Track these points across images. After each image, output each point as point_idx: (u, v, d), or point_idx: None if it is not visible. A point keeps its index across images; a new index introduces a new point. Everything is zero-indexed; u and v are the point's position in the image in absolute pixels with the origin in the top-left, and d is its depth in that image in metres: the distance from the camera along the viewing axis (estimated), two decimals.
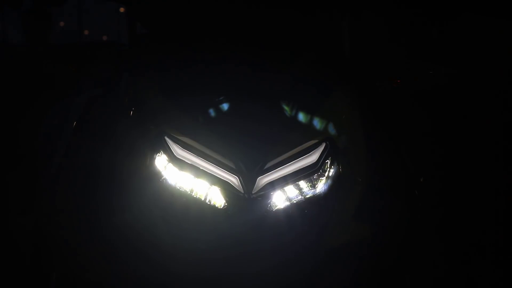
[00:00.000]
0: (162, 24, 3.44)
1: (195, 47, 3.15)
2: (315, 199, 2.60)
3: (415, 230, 2.88)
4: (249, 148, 2.58)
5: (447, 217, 3.38)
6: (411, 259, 2.84)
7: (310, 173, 2.61)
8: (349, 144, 2.76)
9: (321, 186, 2.62)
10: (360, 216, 2.66)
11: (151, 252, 2.56)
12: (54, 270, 2.93)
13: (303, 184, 2.61)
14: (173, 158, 2.60)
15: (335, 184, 2.63)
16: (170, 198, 2.58)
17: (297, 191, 2.60)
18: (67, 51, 3.20)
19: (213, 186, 2.57)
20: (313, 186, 2.62)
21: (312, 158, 2.63)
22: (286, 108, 2.77)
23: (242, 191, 2.54)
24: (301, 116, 2.74)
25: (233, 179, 2.55)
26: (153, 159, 2.63)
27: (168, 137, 2.63)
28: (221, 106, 2.78)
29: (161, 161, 2.62)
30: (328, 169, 2.64)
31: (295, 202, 2.59)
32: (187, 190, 2.57)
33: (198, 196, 2.57)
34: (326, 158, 2.63)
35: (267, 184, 2.56)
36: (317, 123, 2.72)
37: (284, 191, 2.58)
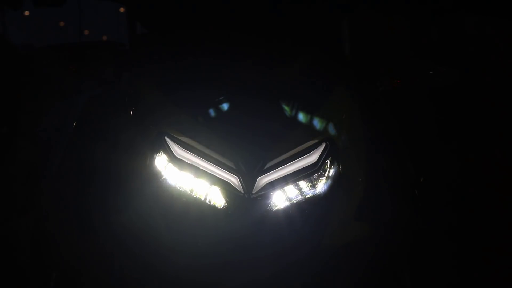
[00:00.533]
0: (162, 24, 3.44)
1: (195, 47, 3.16)
2: (315, 199, 2.60)
3: (415, 230, 2.88)
4: (249, 148, 2.58)
5: (446, 217, 3.38)
6: (411, 259, 2.84)
7: (310, 173, 2.61)
8: (349, 144, 2.76)
9: (321, 186, 2.62)
10: (360, 216, 2.66)
11: (151, 251, 2.56)
12: (54, 270, 2.93)
13: (303, 184, 2.61)
14: (173, 158, 2.60)
15: (335, 184, 2.63)
16: (170, 198, 2.58)
17: (297, 191, 2.60)
18: (67, 51, 3.20)
19: (213, 186, 2.57)
20: (313, 186, 2.62)
21: (312, 158, 2.63)
22: (286, 108, 2.77)
23: (242, 191, 2.54)
24: (301, 116, 2.74)
25: (233, 179, 2.55)
26: (153, 159, 2.63)
27: (168, 137, 2.63)
28: (221, 106, 2.78)
29: (161, 161, 2.62)
30: (328, 169, 2.64)
31: (295, 202, 2.59)
32: (187, 190, 2.57)
33: (198, 196, 2.57)
34: (326, 158, 2.63)
35: (267, 184, 2.56)
36: (317, 123, 2.72)
37: (284, 191, 2.58)
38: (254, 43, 3.13)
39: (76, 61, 3.15)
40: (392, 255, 2.76)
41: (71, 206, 2.87)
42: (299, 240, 2.56)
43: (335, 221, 2.61)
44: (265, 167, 2.56)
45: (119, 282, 2.65)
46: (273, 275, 2.55)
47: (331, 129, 2.72)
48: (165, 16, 3.42)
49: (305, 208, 2.59)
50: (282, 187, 2.58)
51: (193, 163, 2.59)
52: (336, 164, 2.65)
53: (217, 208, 2.55)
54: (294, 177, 2.59)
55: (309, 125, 2.72)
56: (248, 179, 2.54)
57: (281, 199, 2.58)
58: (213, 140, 2.61)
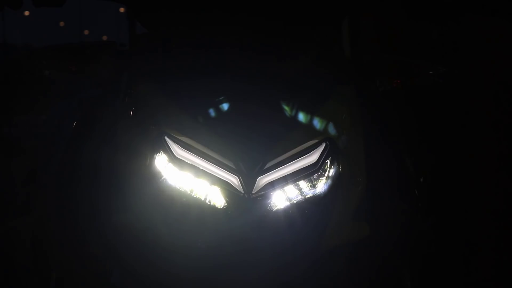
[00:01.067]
0: (162, 24, 3.44)
1: (195, 47, 3.16)
2: (315, 199, 2.60)
3: (415, 230, 2.88)
4: (249, 148, 2.58)
5: (446, 217, 3.38)
6: (411, 259, 2.84)
7: (310, 173, 2.60)
8: (349, 144, 2.75)
9: (321, 186, 2.62)
10: (360, 216, 2.66)
11: (151, 252, 2.56)
12: (54, 270, 2.93)
13: (303, 184, 2.61)
14: (173, 158, 2.60)
15: (335, 184, 2.63)
16: (170, 198, 2.58)
17: (297, 191, 2.60)
18: (67, 51, 3.20)
19: (213, 186, 2.57)
20: (313, 186, 2.61)
21: (312, 158, 2.62)
22: (286, 108, 2.77)
23: (242, 191, 2.54)
24: (301, 116, 2.74)
25: (233, 179, 2.55)
26: (153, 159, 2.63)
27: (168, 137, 2.63)
28: (221, 106, 2.78)
29: (161, 161, 2.62)
30: (328, 169, 2.64)
31: (295, 202, 2.58)
32: (187, 190, 2.57)
33: (198, 196, 2.57)
34: (326, 158, 2.63)
35: (267, 184, 2.56)
36: (317, 123, 2.72)
37: (284, 191, 2.58)
38: (254, 44, 3.13)
39: (76, 61, 3.15)
40: (392, 255, 2.76)
41: (71, 206, 2.87)
42: (299, 240, 2.56)
43: (335, 221, 2.61)
44: (265, 167, 2.56)
45: (119, 282, 2.65)
46: (273, 275, 2.55)
47: (331, 129, 2.72)
48: (165, 16, 3.41)
49: (305, 208, 2.59)
50: (282, 187, 2.58)
51: (193, 163, 2.59)
52: (336, 164, 2.65)
53: (217, 208, 2.55)
54: (294, 177, 2.59)
55: (309, 125, 2.72)
56: (248, 179, 2.54)
57: (281, 199, 2.58)
58: (213, 140, 2.61)
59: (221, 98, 2.80)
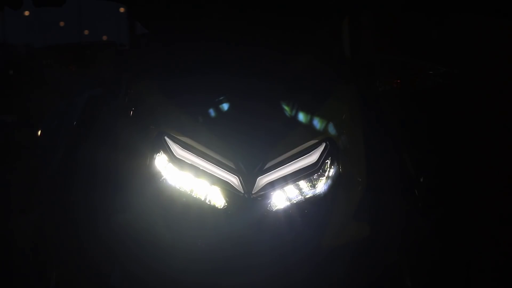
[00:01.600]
0: (162, 24, 3.44)
1: (195, 47, 3.16)
2: (315, 199, 2.60)
3: (415, 230, 2.88)
4: (249, 148, 2.58)
5: (446, 217, 3.38)
6: (411, 258, 2.84)
7: (310, 173, 2.61)
8: (349, 144, 2.76)
9: (321, 186, 2.62)
10: (360, 216, 2.66)
11: (151, 252, 2.56)
12: (54, 270, 2.93)
13: (303, 184, 2.61)
14: (173, 158, 2.60)
15: (335, 184, 2.63)
16: (170, 198, 2.58)
17: (297, 191, 2.60)
18: (67, 51, 3.20)
19: (213, 186, 2.57)
20: (313, 186, 2.62)
21: (312, 158, 2.63)
22: (286, 108, 2.77)
23: (242, 191, 2.54)
24: (301, 116, 2.74)
25: (233, 179, 2.55)
26: (153, 159, 2.63)
27: (168, 137, 2.63)
28: (221, 106, 2.78)
29: (161, 161, 2.62)
30: (328, 169, 2.64)
31: (295, 202, 2.58)
32: (187, 190, 2.57)
33: (198, 196, 2.57)
34: (326, 158, 2.63)
35: (267, 184, 2.56)
36: (317, 123, 2.72)
37: (284, 191, 2.58)
38: (254, 44, 3.13)
39: (76, 61, 3.15)
40: (392, 255, 2.76)
41: (71, 206, 2.88)
42: (299, 240, 2.56)
43: (335, 221, 2.61)
44: (265, 167, 2.56)
45: (119, 282, 2.65)
46: (273, 275, 2.55)
47: (331, 129, 2.72)
48: (165, 16, 3.42)
49: (305, 208, 2.59)
50: (282, 187, 2.58)
51: (193, 163, 2.59)
52: (336, 164, 2.65)
53: (217, 208, 2.55)
54: (294, 177, 2.59)
55: (309, 125, 2.72)
56: (248, 179, 2.54)
57: (281, 199, 2.58)
58: (213, 140, 2.61)
59: (221, 98, 2.80)
